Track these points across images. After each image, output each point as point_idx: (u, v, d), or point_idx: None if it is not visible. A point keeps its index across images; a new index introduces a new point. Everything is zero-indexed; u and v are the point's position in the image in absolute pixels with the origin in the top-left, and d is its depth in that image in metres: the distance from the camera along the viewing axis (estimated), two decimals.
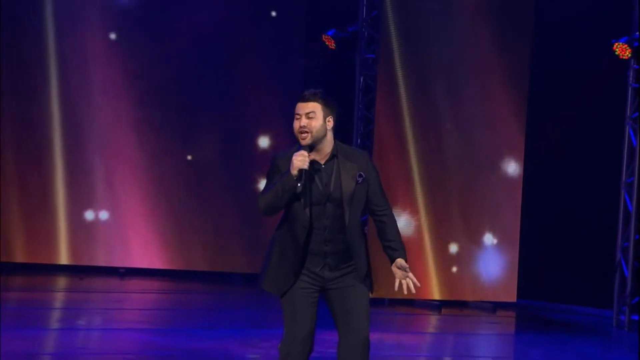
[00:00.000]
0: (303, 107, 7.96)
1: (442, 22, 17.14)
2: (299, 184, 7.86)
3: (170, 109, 18.94)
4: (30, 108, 18.74)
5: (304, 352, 8.10)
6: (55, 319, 14.91)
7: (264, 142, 18.55)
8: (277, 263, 8.13)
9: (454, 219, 17.21)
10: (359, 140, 17.47)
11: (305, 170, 7.87)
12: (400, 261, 8.06)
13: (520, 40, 17.31)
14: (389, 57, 17.05)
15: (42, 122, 18.78)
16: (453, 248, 17.18)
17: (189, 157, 18.87)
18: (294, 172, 7.85)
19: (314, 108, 7.95)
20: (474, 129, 17.26)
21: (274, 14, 18.88)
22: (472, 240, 17.29)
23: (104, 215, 18.81)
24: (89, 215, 18.79)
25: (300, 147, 8.01)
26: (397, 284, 8.10)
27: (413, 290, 8.09)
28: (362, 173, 8.03)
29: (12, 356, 11.44)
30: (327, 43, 17.51)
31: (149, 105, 18.94)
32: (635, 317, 15.97)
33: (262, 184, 18.14)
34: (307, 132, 7.94)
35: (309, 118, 7.95)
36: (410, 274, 8.07)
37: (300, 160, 7.83)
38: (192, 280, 18.63)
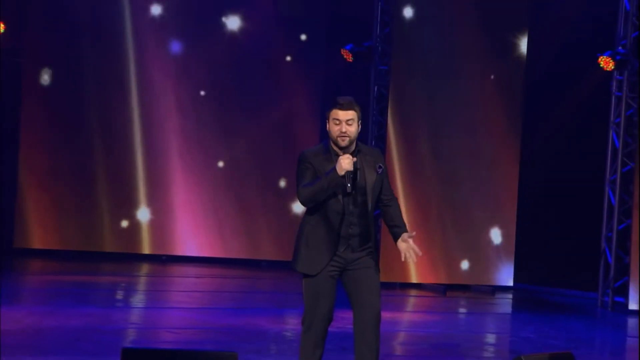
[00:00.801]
0: (343, 115, 8.04)
1: (444, 34, 17.05)
2: (348, 185, 7.98)
3: (209, 116, 18.76)
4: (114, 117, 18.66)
5: (325, 325, 8.21)
6: (109, 299, 14.86)
7: (288, 144, 18.28)
8: (309, 247, 8.20)
9: (461, 212, 17.16)
10: (372, 142, 17.53)
11: (350, 171, 7.98)
12: (405, 234, 8.17)
13: (516, 53, 17.20)
14: (400, 68, 17.06)
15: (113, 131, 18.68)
16: (459, 238, 17.11)
17: (220, 164, 18.73)
18: (341, 172, 7.96)
19: (352, 116, 8.05)
20: (476, 131, 17.17)
21: (303, 37, 18.79)
22: (476, 232, 17.23)
23: (152, 209, 18.78)
24: (143, 210, 18.74)
25: (326, 146, 8.14)
26: (403, 256, 8.19)
27: (415, 259, 8.17)
28: (381, 165, 8.18)
29: (73, 330, 11.59)
30: (345, 56, 17.60)
31: (191, 114, 18.77)
32: (618, 299, 16.00)
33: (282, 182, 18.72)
34: (347, 136, 8.03)
35: (348, 124, 8.03)
36: (413, 245, 8.17)
37: (347, 163, 7.92)
38: (226, 265, 18.56)
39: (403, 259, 8.26)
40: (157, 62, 18.80)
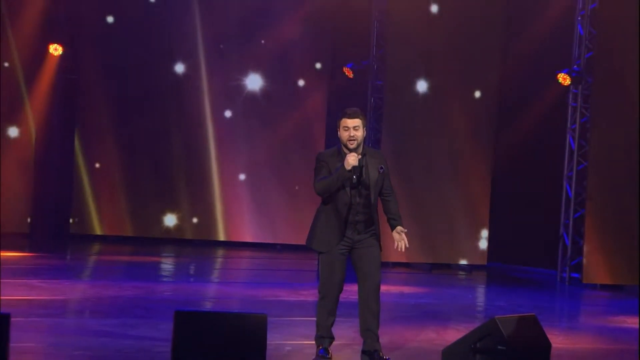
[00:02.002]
0: (351, 122, 8.33)
1: (430, 56, 16.96)
2: (354, 177, 8.29)
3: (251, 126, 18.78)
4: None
5: (337, 294, 8.56)
6: (155, 275, 14.79)
7: (304, 150, 18.15)
8: (323, 229, 8.50)
9: (443, 202, 17.10)
10: (370, 145, 16.96)
11: (356, 166, 8.28)
12: (399, 227, 8.53)
13: (491, 68, 17.16)
14: (392, 83, 17.08)
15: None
16: (442, 225, 17.11)
17: (242, 177, 18.75)
18: (348, 167, 8.24)
19: (358, 123, 8.35)
20: (456, 135, 17.12)
21: (318, 66, 18.85)
22: (455, 220, 17.18)
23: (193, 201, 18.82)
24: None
25: (339, 148, 8.43)
26: (395, 244, 8.55)
27: (403, 248, 8.55)
28: (382, 166, 8.49)
29: (127, 299, 11.75)
30: (346, 73, 17.89)
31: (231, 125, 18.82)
32: (574, 275, 16.09)
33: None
34: (354, 140, 8.32)
35: (355, 130, 8.33)
36: (404, 237, 8.53)
37: (353, 159, 8.23)
38: (244, 248, 18.64)
39: (395, 247, 8.58)
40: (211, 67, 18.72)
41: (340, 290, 8.59)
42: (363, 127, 8.43)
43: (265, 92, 18.76)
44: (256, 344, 7.78)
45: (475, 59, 17.16)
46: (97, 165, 18.55)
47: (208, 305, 12.11)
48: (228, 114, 18.83)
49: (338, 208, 8.47)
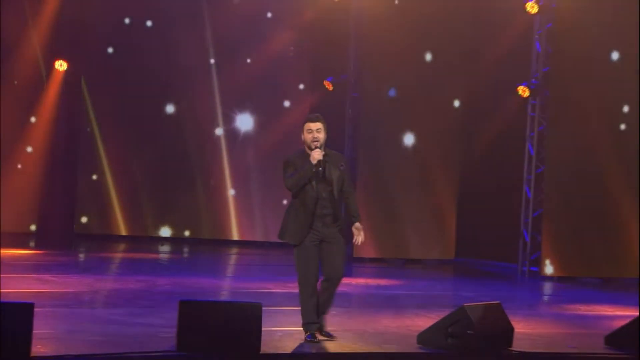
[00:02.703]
0: (314, 125, 8.61)
1: (401, 68, 17.14)
2: (320, 169, 8.53)
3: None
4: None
5: (314, 281, 8.69)
6: (156, 270, 14.75)
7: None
8: (294, 223, 8.66)
9: (414, 203, 17.26)
10: (347, 150, 17.03)
11: (320, 160, 8.53)
12: (358, 224, 8.69)
13: (458, 83, 17.39)
14: (367, 95, 17.18)
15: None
16: (414, 223, 17.21)
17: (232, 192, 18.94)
18: (314, 161, 8.49)
19: (320, 126, 8.63)
20: (426, 140, 17.29)
21: (301, 86, 19.00)
22: (426, 219, 17.35)
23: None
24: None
25: (302, 151, 8.64)
26: (354, 239, 8.69)
27: (359, 243, 8.68)
28: (342, 164, 8.71)
29: (132, 291, 11.76)
30: (327, 86, 17.89)
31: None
32: (533, 269, 16.20)
33: None
34: (317, 141, 8.58)
35: (318, 132, 8.60)
36: (362, 233, 8.70)
37: (318, 154, 8.50)
38: (226, 245, 18.60)
39: (354, 241, 8.73)
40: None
41: (317, 277, 8.72)
42: (324, 130, 8.66)
43: (254, 112, 18.84)
44: (252, 330, 7.99)
45: (445, 75, 17.28)
46: (94, 177, 18.65)
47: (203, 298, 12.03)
48: (219, 131, 18.90)
49: (306, 202, 8.64)
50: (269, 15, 18.80)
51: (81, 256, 16.43)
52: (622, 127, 16.20)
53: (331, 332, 8.95)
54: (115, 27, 18.47)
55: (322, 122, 8.68)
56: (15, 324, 7.32)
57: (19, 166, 17.73)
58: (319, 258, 8.72)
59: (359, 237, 8.72)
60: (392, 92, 17.14)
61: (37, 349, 7.50)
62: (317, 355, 8.39)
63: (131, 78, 18.55)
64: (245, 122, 18.91)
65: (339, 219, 8.73)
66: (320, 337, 8.79)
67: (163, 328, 9.09)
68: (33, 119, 17.82)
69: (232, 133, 18.86)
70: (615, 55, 16.08)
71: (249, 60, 18.80)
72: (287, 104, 18.80)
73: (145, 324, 9.47)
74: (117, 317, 9.82)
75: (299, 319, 8.96)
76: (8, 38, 17.25)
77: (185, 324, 7.93)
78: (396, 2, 16.98)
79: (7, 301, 7.93)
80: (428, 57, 17.22)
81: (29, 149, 17.98)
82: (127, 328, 9.17)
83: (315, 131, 8.63)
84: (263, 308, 8.14)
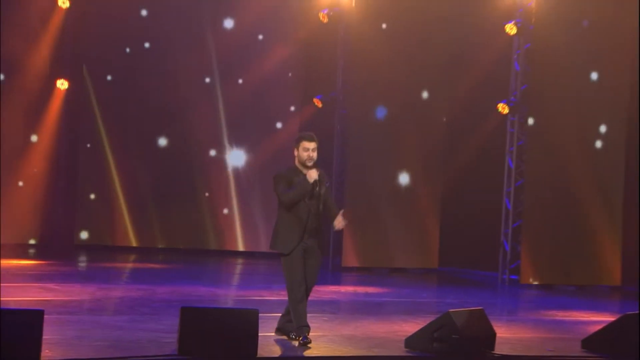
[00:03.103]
0: (310, 145, 8.79)
1: (386, 86, 17.03)
2: (317, 189, 8.73)
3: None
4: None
5: (302, 287, 8.82)
6: (154, 279, 14.70)
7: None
8: (286, 234, 8.83)
9: (398, 215, 17.08)
10: (337, 164, 17.44)
11: (316, 179, 8.73)
12: (339, 213, 8.79)
13: (442, 100, 17.26)
14: (355, 111, 17.22)
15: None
16: (399, 234, 17.09)
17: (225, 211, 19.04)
18: (311, 180, 8.67)
19: (315, 146, 8.82)
20: (410, 156, 17.18)
21: (292, 108, 18.79)
22: (411, 230, 17.22)
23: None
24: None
25: (293, 167, 8.80)
26: (339, 224, 8.79)
27: (342, 226, 8.79)
28: (328, 182, 8.92)
29: (132, 299, 11.78)
30: (316, 103, 17.86)
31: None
32: (513, 277, 16.17)
33: None
34: (312, 159, 8.77)
35: (313, 151, 8.79)
36: (341, 219, 8.75)
37: (315, 174, 8.69)
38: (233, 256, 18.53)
39: (338, 225, 8.82)
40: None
41: (304, 284, 8.84)
42: (317, 149, 8.85)
43: (250, 132, 18.82)
44: (250, 335, 8.11)
45: (430, 92, 17.29)
46: (92, 196, 18.55)
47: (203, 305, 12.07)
48: (212, 152, 18.90)
49: (300, 216, 8.79)
50: (260, 37, 18.81)
51: (82, 266, 16.46)
52: (597, 143, 16.28)
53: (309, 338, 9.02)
54: (117, 49, 18.45)
55: (316, 142, 8.85)
56: (26, 330, 7.41)
57: (20, 184, 17.65)
58: (304, 265, 8.85)
59: (339, 223, 8.83)
60: (380, 114, 17.16)
61: (45, 353, 7.59)
62: (311, 358, 8.47)
63: (129, 105, 18.61)
64: (239, 144, 18.91)
65: (320, 233, 8.91)
66: (290, 340, 8.96)
67: (164, 333, 9.17)
68: (34, 137, 17.78)
69: (225, 155, 18.87)
70: (593, 76, 16.17)
71: (240, 81, 18.78)
72: (279, 125, 18.77)
73: (147, 329, 9.54)
74: (120, 323, 9.89)
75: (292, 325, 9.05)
76: (11, 56, 17.25)
77: (186, 329, 8.04)
78: (384, 26, 17.03)
79: (18, 308, 8.07)
80: (413, 75, 17.24)
81: (34, 168, 18.05)
82: (130, 333, 9.23)
83: (311, 150, 8.80)
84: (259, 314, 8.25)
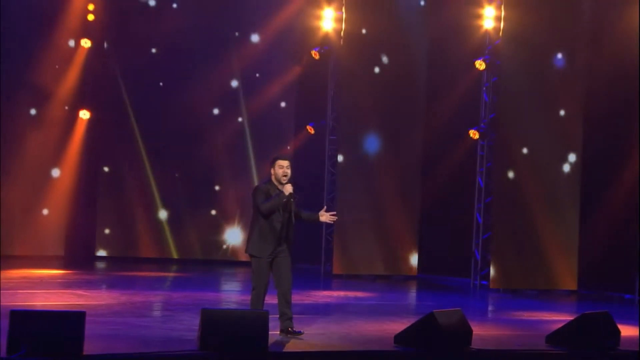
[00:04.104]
0: (285, 163, 9.03)
1: (373, 114, 17.09)
2: (291, 199, 8.92)
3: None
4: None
5: (265, 289, 9.01)
6: (171, 286, 14.67)
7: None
8: (259, 240, 9.01)
9: (383, 229, 17.08)
10: (328, 184, 17.49)
11: (291, 192, 8.93)
12: (321, 211, 9.03)
13: (416, 129, 17.40)
14: (344, 138, 17.31)
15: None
16: (383, 244, 17.12)
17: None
18: (287, 194, 8.88)
19: (289, 163, 9.05)
20: (392, 174, 17.17)
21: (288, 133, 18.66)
22: (393, 240, 17.21)
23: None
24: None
25: (269, 181, 9.00)
26: (328, 219, 9.03)
27: (333, 220, 9.00)
28: (296, 196, 9.05)
29: (153, 303, 11.86)
30: (309, 130, 18.04)
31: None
32: (483, 282, 16.24)
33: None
34: (287, 175, 8.98)
35: (288, 168, 9.01)
36: (328, 215, 8.98)
37: (290, 188, 8.90)
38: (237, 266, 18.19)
39: (330, 220, 9.05)
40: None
41: (267, 286, 9.04)
42: (291, 168, 9.08)
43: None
44: (261, 333, 8.20)
45: (409, 118, 17.37)
46: (107, 231, 18.44)
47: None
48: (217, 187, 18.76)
49: (274, 225, 8.99)
50: (257, 75, 18.89)
51: (104, 274, 16.42)
52: (557, 165, 16.28)
53: (300, 331, 9.20)
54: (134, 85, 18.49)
55: (290, 160, 9.08)
56: (70, 328, 7.64)
57: (45, 212, 17.65)
58: (270, 272, 9.00)
59: (329, 218, 9.02)
60: (371, 146, 17.22)
61: (87, 348, 7.73)
62: (313, 353, 8.56)
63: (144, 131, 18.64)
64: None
65: (290, 240, 9.03)
66: (290, 336, 9.08)
67: (184, 332, 9.27)
68: (56, 172, 17.85)
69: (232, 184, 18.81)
70: (554, 108, 16.16)
71: (239, 118, 18.74)
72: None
73: (169, 329, 9.63)
74: (144, 323, 10.01)
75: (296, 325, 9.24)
76: (40, 91, 17.42)
77: (206, 328, 8.15)
78: (376, 70, 17.18)
79: (63, 310, 8.36)
80: (394, 105, 17.30)
81: (55, 173, 17.94)
82: (155, 332, 9.36)
83: (286, 167, 9.01)
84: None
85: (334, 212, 9.18)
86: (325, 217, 9.09)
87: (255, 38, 18.82)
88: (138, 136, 18.52)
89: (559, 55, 16.09)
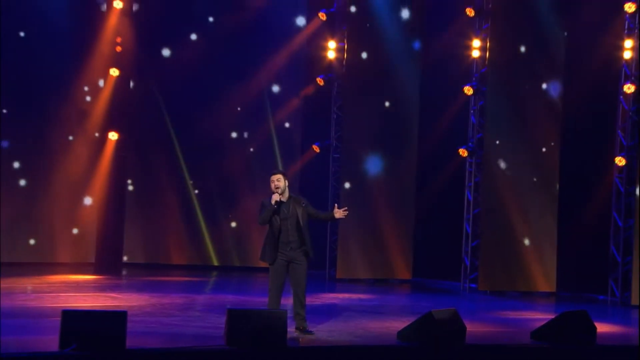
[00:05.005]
0: (274, 177, 9.19)
1: (369, 134, 17.08)
2: (275, 206, 9.01)
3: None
4: None
5: (280, 291, 9.09)
6: (197, 289, 14.40)
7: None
8: (265, 247, 9.19)
9: (378, 235, 16.91)
10: (332, 196, 17.31)
11: (277, 201, 9.06)
12: (334, 209, 9.12)
13: (411, 149, 17.30)
14: (347, 157, 17.26)
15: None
16: (377, 249, 16.90)
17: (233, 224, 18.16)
18: (273, 202, 9.06)
19: (279, 177, 9.20)
20: (389, 187, 17.08)
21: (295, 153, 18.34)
22: (389, 245, 17.04)
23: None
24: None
25: (272, 194, 9.17)
26: (339, 215, 9.12)
27: (345, 215, 9.04)
28: (304, 202, 9.18)
29: (180, 305, 11.80)
30: (314, 149, 17.86)
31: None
32: (472, 285, 16.19)
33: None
34: (278, 187, 9.10)
35: (278, 182, 9.14)
36: (341, 211, 9.04)
37: (276, 197, 9.05)
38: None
39: (342, 216, 9.11)
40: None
41: (281, 289, 9.10)
42: (284, 179, 9.10)
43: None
44: (280, 330, 8.38)
45: (402, 140, 17.32)
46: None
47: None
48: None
49: (274, 232, 9.13)
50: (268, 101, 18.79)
51: (132, 279, 16.23)
52: (534, 180, 16.28)
53: (312, 331, 9.32)
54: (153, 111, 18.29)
55: (281, 174, 9.19)
56: (114, 326, 7.90)
57: (75, 231, 17.61)
58: (285, 275, 9.02)
59: (343, 212, 9.09)
60: (371, 164, 17.16)
61: (128, 343, 7.91)
62: (325, 347, 8.72)
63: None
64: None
65: (304, 244, 8.99)
66: (303, 333, 9.14)
67: (212, 329, 9.38)
68: (87, 200, 17.81)
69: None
70: (538, 130, 16.17)
71: (245, 135, 18.61)
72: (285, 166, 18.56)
73: (198, 327, 9.70)
74: (175, 322, 10.09)
75: (309, 323, 9.41)
76: (74, 118, 17.50)
77: (232, 325, 8.33)
78: (375, 96, 17.13)
79: (106, 310, 8.58)
80: (389, 126, 17.25)
81: (88, 202, 18.02)
82: (186, 329, 9.45)
83: (276, 181, 9.13)
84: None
85: (346, 208, 9.27)
86: (339, 213, 9.20)
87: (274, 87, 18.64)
88: (178, 151, 18.34)
89: (542, 84, 16.19)
